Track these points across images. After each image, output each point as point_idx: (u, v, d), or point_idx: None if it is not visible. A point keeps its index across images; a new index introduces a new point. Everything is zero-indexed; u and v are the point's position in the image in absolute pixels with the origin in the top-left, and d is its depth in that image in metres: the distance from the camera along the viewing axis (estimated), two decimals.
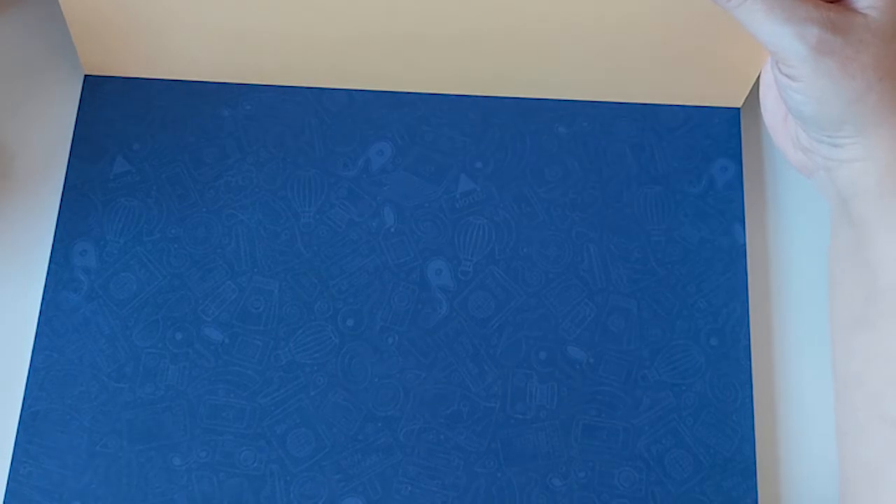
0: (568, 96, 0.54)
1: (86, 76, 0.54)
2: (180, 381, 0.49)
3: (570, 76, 0.53)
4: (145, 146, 0.53)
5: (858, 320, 0.43)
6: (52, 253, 0.51)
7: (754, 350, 0.50)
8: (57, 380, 0.49)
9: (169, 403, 0.49)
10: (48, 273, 0.50)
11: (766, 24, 0.41)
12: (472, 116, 0.54)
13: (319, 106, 0.54)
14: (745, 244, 0.51)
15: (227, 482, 0.48)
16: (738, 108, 0.54)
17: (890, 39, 0.41)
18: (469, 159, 0.53)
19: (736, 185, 0.52)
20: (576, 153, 0.53)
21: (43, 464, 0.48)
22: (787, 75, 0.42)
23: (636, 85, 0.53)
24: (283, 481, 0.48)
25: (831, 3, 0.42)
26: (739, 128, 0.54)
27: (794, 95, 0.42)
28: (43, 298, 0.50)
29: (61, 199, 0.52)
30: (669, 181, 0.53)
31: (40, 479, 0.47)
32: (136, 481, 0.47)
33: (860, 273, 0.43)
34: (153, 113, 0.53)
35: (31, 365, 0.49)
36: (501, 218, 0.52)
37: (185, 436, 0.48)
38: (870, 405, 0.42)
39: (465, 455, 0.48)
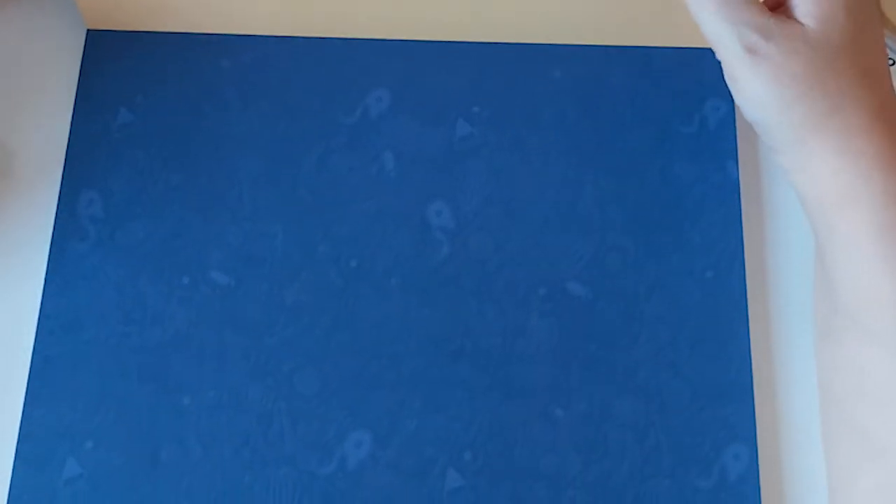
0: (562, 41, 0.55)
1: (88, 31, 0.55)
2: (188, 324, 0.50)
3: (564, 21, 0.54)
4: (148, 98, 0.54)
5: (827, 330, 0.43)
6: (58, 203, 0.52)
7: (749, 281, 0.51)
8: (67, 326, 0.50)
9: (177, 346, 0.50)
10: (55, 223, 0.51)
11: (711, 21, 0.42)
12: (469, 63, 0.55)
13: (318, 55, 0.55)
14: (738, 180, 0.52)
15: (236, 420, 0.49)
16: None
17: (823, 50, 0.42)
18: (466, 104, 0.54)
19: (728, 123, 0.53)
20: (571, 96, 0.54)
21: (55, 407, 0.49)
22: (729, 76, 0.43)
23: (628, 28, 0.54)
24: (291, 418, 0.49)
25: (778, 10, 0.43)
26: None
27: (737, 97, 0.43)
28: (51, 248, 0.51)
29: (67, 150, 0.52)
30: (663, 122, 0.54)
31: (53, 421, 0.48)
32: (146, 421, 0.48)
33: (826, 284, 0.43)
34: (155, 65, 0.54)
35: (41, 312, 0.50)
36: (499, 160, 0.53)
37: (193, 376, 0.49)
38: (839, 411, 0.42)
39: (468, 389, 0.49)
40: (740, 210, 0.52)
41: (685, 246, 0.51)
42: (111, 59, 0.54)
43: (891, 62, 0.52)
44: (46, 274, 0.50)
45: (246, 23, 0.54)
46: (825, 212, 0.42)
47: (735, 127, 0.53)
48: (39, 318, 0.50)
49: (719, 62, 0.43)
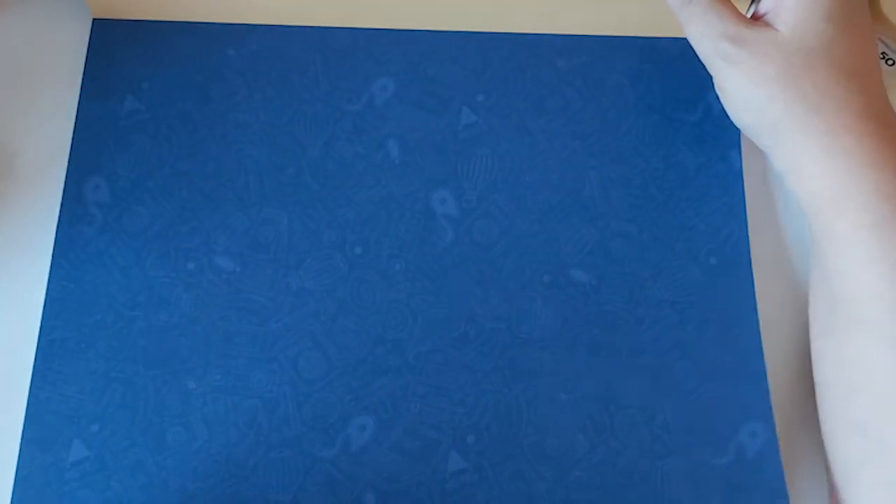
0: (566, 31, 0.55)
1: (94, 20, 0.55)
2: (193, 309, 0.50)
3: (568, 11, 0.54)
4: (154, 85, 0.54)
5: (825, 328, 0.43)
6: (65, 188, 0.52)
7: (755, 265, 0.51)
8: (73, 309, 0.50)
9: (183, 330, 0.50)
10: (62, 208, 0.51)
11: (695, 35, 0.46)
12: (473, 52, 0.55)
13: (323, 44, 0.55)
14: (741, 169, 0.53)
15: (242, 404, 0.49)
16: None
17: (798, 53, 0.43)
18: (471, 93, 0.54)
19: None
20: (575, 85, 0.54)
21: (61, 389, 0.49)
22: (717, 86, 0.46)
23: (633, 18, 0.54)
24: (296, 402, 0.49)
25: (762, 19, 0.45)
26: None
27: (724, 105, 0.46)
28: (57, 232, 0.51)
29: (73, 137, 0.53)
30: (667, 110, 0.54)
31: (59, 403, 0.48)
32: (152, 404, 0.49)
33: (824, 282, 0.43)
34: (161, 53, 0.55)
35: (47, 295, 0.50)
36: (503, 148, 0.53)
37: (199, 360, 0.49)
38: (840, 408, 0.43)
39: (472, 374, 0.49)
40: (744, 198, 0.52)
41: (689, 233, 0.52)
42: (117, 47, 0.55)
43: (891, 62, 0.53)
44: (53, 258, 0.51)
45: (252, 12, 0.55)
46: (820, 211, 0.42)
47: None
48: (46, 302, 0.50)
49: None
